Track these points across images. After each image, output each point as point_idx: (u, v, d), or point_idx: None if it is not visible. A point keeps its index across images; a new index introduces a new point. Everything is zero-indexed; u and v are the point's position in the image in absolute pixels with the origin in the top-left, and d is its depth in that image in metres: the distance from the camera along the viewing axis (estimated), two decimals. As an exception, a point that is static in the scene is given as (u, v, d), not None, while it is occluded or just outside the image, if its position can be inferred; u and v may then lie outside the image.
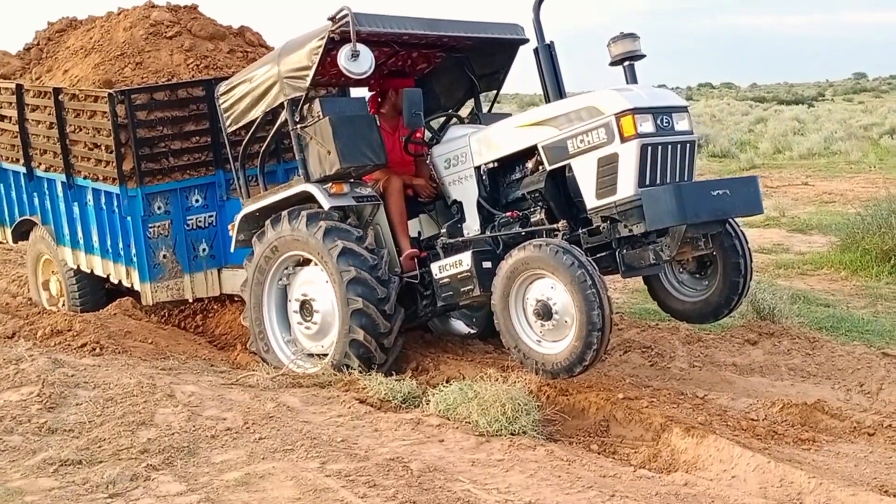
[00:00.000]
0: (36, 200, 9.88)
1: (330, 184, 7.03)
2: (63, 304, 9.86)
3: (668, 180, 6.07)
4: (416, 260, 7.20)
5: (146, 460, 4.98)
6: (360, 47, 6.64)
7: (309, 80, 6.96)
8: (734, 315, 7.45)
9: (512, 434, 5.51)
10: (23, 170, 9.78)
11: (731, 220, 6.39)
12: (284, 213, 7.29)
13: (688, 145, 6.23)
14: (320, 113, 6.98)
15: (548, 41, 6.90)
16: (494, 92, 8.38)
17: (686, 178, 6.21)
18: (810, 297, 9.48)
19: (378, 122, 7.39)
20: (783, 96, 68.02)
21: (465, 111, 8.34)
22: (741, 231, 6.51)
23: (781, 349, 7.46)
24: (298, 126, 7.17)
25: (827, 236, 12.84)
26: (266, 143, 7.78)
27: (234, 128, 7.93)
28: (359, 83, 8.19)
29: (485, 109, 8.30)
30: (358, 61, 6.64)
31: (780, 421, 5.95)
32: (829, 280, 10.48)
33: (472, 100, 8.30)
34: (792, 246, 12.62)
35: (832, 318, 8.55)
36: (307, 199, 7.22)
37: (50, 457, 5.02)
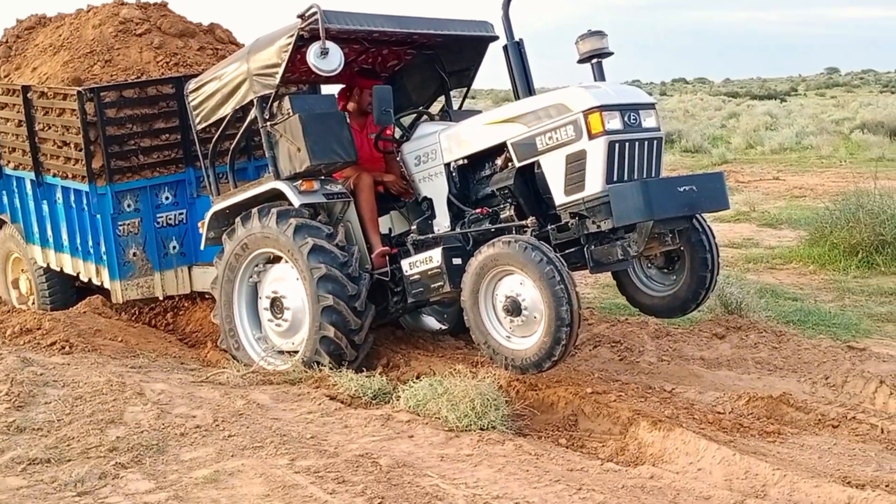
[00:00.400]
0: (5, 198, 9.85)
1: (300, 181, 7.04)
2: (33, 303, 9.82)
3: (635, 177, 6.12)
4: (387, 257, 7.22)
5: (115, 458, 4.97)
6: (330, 45, 6.63)
7: (278, 77, 6.96)
8: (702, 309, 7.51)
9: (481, 429, 5.53)
10: None
11: (698, 215, 6.45)
12: (255, 210, 7.28)
13: (655, 142, 6.29)
14: (290, 110, 6.97)
15: (517, 38, 6.95)
16: (465, 89, 8.41)
17: (654, 175, 6.26)
18: (778, 291, 9.58)
19: (348, 120, 7.39)
20: (756, 91, 68.55)
21: (436, 108, 8.37)
22: (708, 226, 6.56)
23: (748, 343, 7.54)
24: (268, 123, 7.16)
25: (796, 231, 12.96)
26: (236, 140, 7.77)
27: (204, 125, 7.91)
28: (329, 80, 8.19)
29: (455, 106, 8.33)
30: (327, 59, 6.64)
31: (746, 414, 6.01)
32: (798, 274, 10.58)
33: (443, 96, 8.33)
34: (762, 240, 12.72)
35: (800, 312, 8.63)
36: (277, 196, 7.22)
37: (18, 455, 5.00)
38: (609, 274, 7.28)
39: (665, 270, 6.84)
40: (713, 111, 43.95)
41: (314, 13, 6.67)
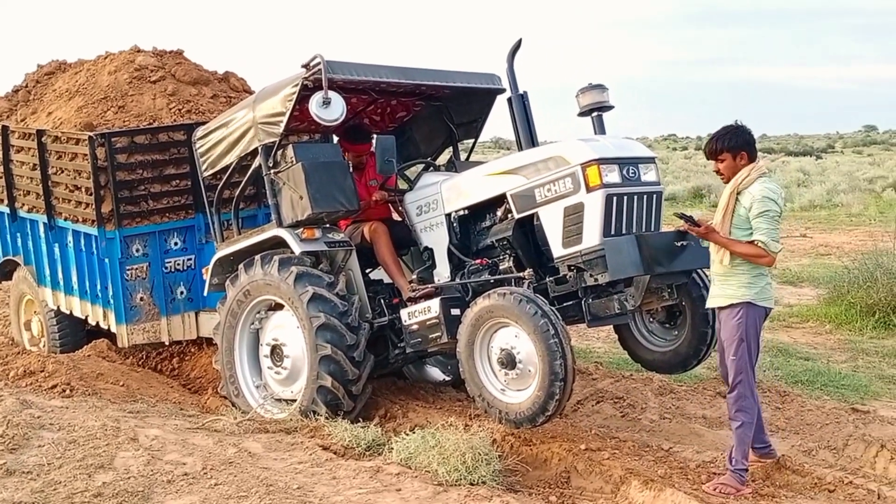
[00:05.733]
0: (19, 241, 9.94)
1: (301, 229, 7.05)
2: (44, 345, 9.85)
3: (633, 230, 6.07)
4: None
5: (98, 504, 4.94)
6: (332, 95, 6.67)
7: (283, 126, 6.99)
8: (707, 366, 7.41)
9: (471, 484, 5.46)
10: (7, 210, 9.85)
11: (698, 270, 6.37)
12: (257, 257, 7.29)
13: (654, 196, 6.24)
14: (293, 158, 7.00)
15: (521, 91, 6.95)
16: (473, 140, 8.42)
17: (652, 229, 6.21)
18: (791, 351, 9.41)
19: (352, 169, 7.40)
20: (792, 148, 67.95)
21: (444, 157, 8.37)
22: (709, 281, 6.48)
23: (752, 402, 7.39)
24: (272, 171, 7.20)
25: (817, 289, 12.77)
26: (240, 187, 7.81)
27: (211, 172, 7.96)
28: (332, 130, 8.23)
29: (463, 157, 8.33)
30: (329, 109, 6.66)
31: (741, 475, 5.87)
32: (814, 333, 10.41)
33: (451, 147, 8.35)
34: (781, 298, 12.50)
35: (809, 372, 8.46)
36: (280, 243, 7.23)
37: (3, 499, 4.98)
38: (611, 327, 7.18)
39: (666, 325, 6.74)
40: (747, 167, 43.55)
41: (318, 63, 6.71)
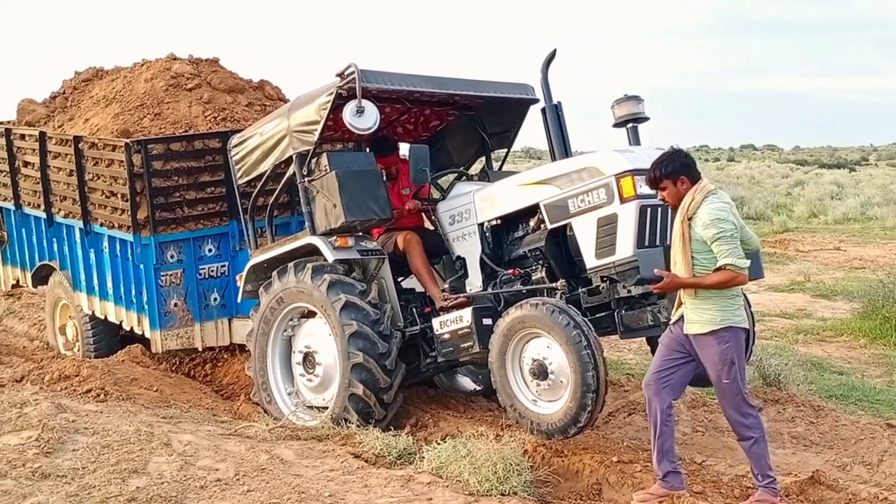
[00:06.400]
0: (55, 246, 10.05)
1: (335, 237, 7.07)
2: (78, 350, 9.94)
3: (667, 242, 6.05)
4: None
5: (132, 509, 4.97)
6: (366, 103, 6.71)
7: (317, 134, 7.04)
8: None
9: (502, 494, 5.45)
10: (43, 215, 9.96)
11: None
12: (291, 264, 7.33)
13: None
14: (327, 167, 7.04)
15: (555, 101, 6.95)
16: (506, 150, 8.43)
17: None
18: (825, 365, 9.34)
19: (385, 178, 7.42)
20: (826, 160, 67.53)
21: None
22: (743, 294, 6.42)
23: (785, 416, 7.35)
24: (306, 179, 7.24)
25: (851, 303, 12.66)
26: (275, 195, 7.86)
27: (245, 179, 8.02)
28: (365, 139, 8.25)
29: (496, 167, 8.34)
30: (363, 117, 6.71)
31: (775, 490, 5.82)
32: (848, 347, 10.32)
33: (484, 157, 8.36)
34: (815, 311, 12.45)
35: (843, 387, 8.39)
36: (314, 251, 7.27)
37: (38, 502, 5.01)
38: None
39: (699, 338, 6.69)
40: (780, 178, 43.43)
41: (352, 72, 6.75)
